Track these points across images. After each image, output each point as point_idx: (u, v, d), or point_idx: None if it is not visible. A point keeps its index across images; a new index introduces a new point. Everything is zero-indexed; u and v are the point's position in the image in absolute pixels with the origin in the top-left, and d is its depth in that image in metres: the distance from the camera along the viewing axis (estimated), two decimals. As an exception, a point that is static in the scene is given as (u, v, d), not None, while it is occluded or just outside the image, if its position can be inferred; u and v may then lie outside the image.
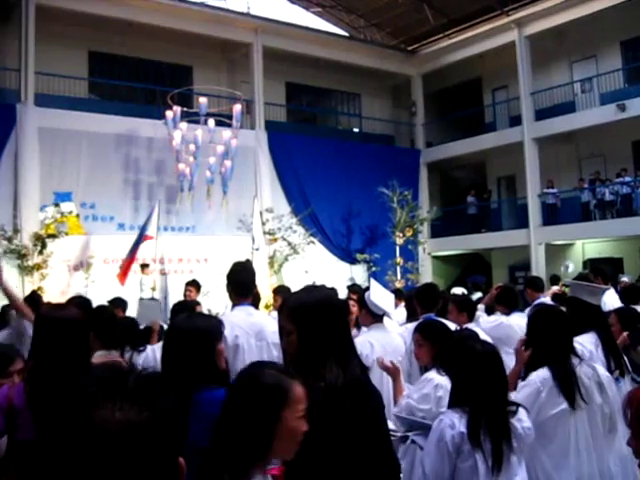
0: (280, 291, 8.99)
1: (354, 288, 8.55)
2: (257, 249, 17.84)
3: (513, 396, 3.86)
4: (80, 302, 5.99)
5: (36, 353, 3.40)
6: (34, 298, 8.41)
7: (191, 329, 3.05)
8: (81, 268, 17.13)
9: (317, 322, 2.68)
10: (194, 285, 11.27)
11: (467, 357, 3.59)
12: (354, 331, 7.43)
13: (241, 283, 4.85)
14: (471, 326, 6.28)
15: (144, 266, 16.35)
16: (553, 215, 22.46)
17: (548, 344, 4.14)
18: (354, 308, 6.74)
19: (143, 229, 16.87)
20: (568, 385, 3.97)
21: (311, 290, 2.96)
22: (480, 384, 3.43)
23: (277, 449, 2.20)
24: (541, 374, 4.05)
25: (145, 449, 1.21)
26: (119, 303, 8.70)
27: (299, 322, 2.70)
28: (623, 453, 3.97)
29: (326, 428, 2.48)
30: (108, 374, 1.30)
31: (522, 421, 3.49)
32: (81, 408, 1.20)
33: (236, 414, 2.20)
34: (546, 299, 7.72)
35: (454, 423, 3.37)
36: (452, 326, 6.05)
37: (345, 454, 2.51)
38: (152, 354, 5.65)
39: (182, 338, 3.04)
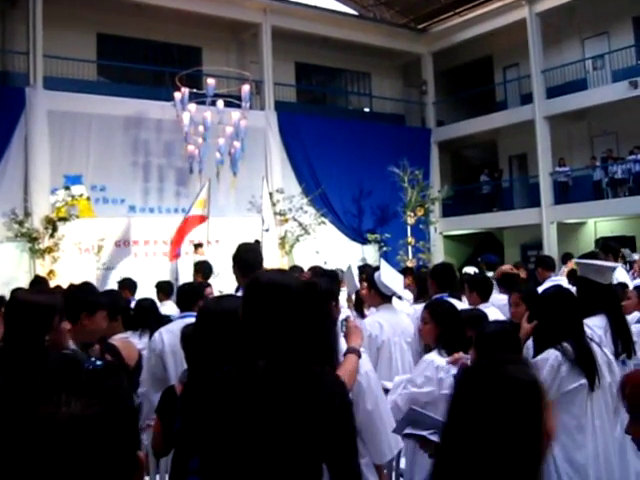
0: (293, 271, 8.93)
1: (364, 269, 8.51)
2: (267, 230, 17.81)
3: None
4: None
5: (4, 338, 3.32)
6: (39, 282, 8.40)
7: (220, 311, 3.05)
8: (92, 251, 17.14)
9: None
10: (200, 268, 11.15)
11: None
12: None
13: (247, 264, 4.79)
14: (483, 306, 6.24)
15: (198, 246, 16.30)
16: (565, 194, 22.31)
17: (558, 325, 4.11)
18: (364, 291, 6.73)
19: (189, 209, 16.91)
20: (588, 361, 3.97)
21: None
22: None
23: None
24: (558, 351, 4.03)
25: (94, 444, 1.15)
26: (127, 284, 8.70)
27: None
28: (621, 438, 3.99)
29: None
30: (56, 366, 1.25)
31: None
32: (25, 403, 1.15)
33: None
34: (558, 278, 7.62)
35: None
36: (461, 307, 6.02)
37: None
38: (160, 337, 5.53)
39: (212, 320, 3.04)
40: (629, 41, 21.93)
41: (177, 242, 16.44)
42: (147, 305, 6.65)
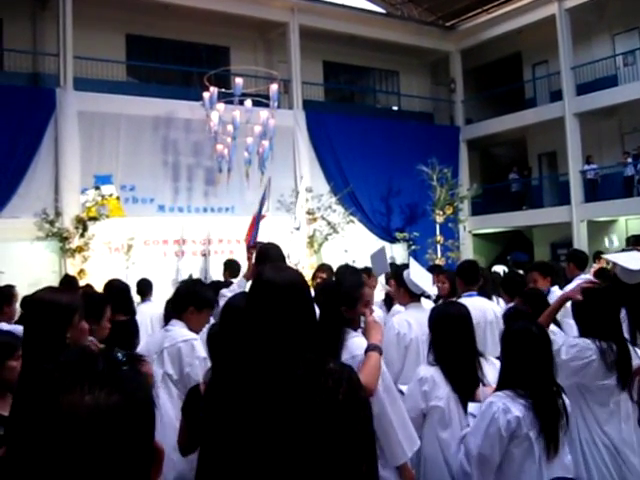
0: (324, 269, 8.97)
1: (392, 267, 8.50)
2: (297, 228, 17.85)
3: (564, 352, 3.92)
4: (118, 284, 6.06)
5: (24, 337, 3.33)
6: (69, 281, 8.46)
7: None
8: (122, 250, 17.26)
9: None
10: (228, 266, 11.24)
11: (519, 338, 3.54)
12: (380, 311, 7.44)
13: (270, 260, 4.81)
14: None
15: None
16: (595, 191, 22.10)
17: (598, 321, 4.08)
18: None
19: (260, 209, 16.96)
20: (625, 365, 3.94)
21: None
22: (533, 366, 3.40)
23: None
24: (596, 344, 4.00)
25: (117, 433, 1.15)
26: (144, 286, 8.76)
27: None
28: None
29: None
30: (76, 357, 1.25)
31: (565, 399, 3.47)
32: (47, 394, 1.15)
33: None
34: (587, 276, 7.50)
35: (508, 407, 3.30)
36: (489, 306, 6.00)
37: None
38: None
39: (235, 317, 3.09)
40: (660, 36, 21.70)
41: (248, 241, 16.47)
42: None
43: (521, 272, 14.59)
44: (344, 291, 3.94)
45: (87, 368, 1.21)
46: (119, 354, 1.30)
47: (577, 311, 4.31)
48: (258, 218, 16.52)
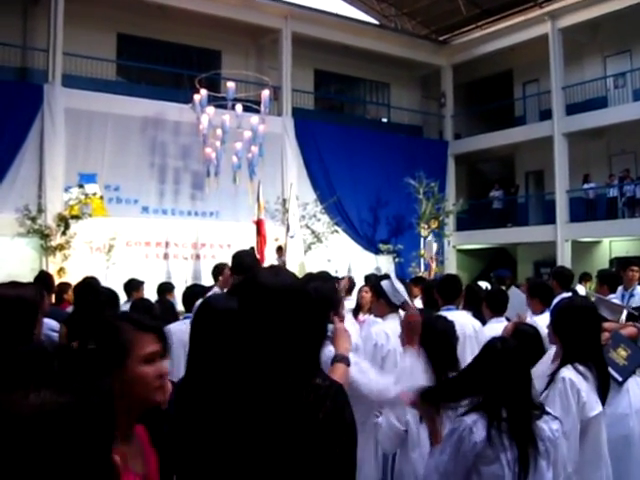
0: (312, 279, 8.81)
1: (370, 278, 8.42)
2: (292, 237, 17.79)
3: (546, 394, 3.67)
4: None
5: None
6: (43, 278, 8.29)
7: (217, 309, 2.95)
8: (103, 250, 17.11)
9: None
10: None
11: (487, 356, 3.34)
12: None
13: (242, 267, 4.72)
14: (496, 321, 6.12)
15: (280, 249, 16.52)
16: (590, 210, 22.10)
17: (579, 341, 3.84)
18: (367, 294, 6.66)
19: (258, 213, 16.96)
20: (605, 385, 3.79)
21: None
22: (499, 384, 3.19)
23: None
24: (575, 371, 3.76)
25: (65, 436, 1.06)
26: (135, 285, 8.65)
27: None
28: None
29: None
30: (25, 355, 1.16)
31: (549, 423, 3.26)
32: None
33: None
34: (569, 295, 7.39)
35: (473, 428, 3.13)
36: (471, 320, 5.91)
37: None
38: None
39: (207, 318, 2.92)
40: (652, 60, 21.79)
41: (263, 246, 16.44)
42: (141, 305, 6.61)
43: (503, 288, 14.58)
44: (330, 296, 3.84)
45: (35, 366, 1.13)
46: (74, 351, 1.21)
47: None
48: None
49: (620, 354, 4.78)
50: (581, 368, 3.69)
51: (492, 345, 3.36)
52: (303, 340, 2.22)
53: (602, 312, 5.16)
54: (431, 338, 4.13)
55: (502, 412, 3.13)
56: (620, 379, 4.74)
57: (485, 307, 6.49)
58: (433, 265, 20.67)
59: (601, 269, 12.95)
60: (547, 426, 3.23)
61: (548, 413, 3.31)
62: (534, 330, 5.15)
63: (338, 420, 2.14)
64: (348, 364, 3.26)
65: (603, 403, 3.74)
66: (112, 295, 5.24)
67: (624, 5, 20.43)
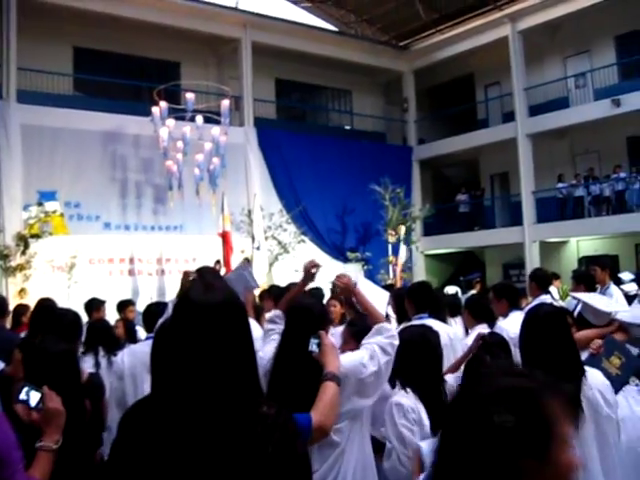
0: (272, 292, 8.45)
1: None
2: (258, 248, 17.53)
3: None
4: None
5: None
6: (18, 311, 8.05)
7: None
8: (65, 269, 16.71)
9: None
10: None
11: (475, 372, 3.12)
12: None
13: None
14: (481, 327, 5.91)
15: (246, 260, 16.21)
16: (548, 212, 22.09)
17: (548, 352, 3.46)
18: (337, 307, 6.42)
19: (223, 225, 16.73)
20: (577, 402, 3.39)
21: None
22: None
23: None
24: None
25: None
26: (96, 304, 8.35)
27: None
28: None
29: None
30: None
31: None
32: None
33: None
34: (547, 297, 7.22)
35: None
36: (444, 328, 5.67)
37: None
38: (122, 359, 5.32)
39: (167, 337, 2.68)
40: (611, 59, 21.91)
41: (230, 259, 16.12)
42: (101, 326, 6.43)
43: (473, 291, 14.49)
44: (320, 312, 3.58)
45: None
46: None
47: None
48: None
49: (613, 363, 4.40)
50: None
51: (480, 360, 3.09)
52: (241, 361, 1.98)
53: (587, 316, 4.95)
54: (419, 352, 3.89)
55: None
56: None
57: (468, 314, 6.27)
58: (398, 271, 20.50)
59: (576, 269, 12.88)
60: None
61: None
62: (500, 339, 4.95)
63: (289, 453, 1.92)
64: (339, 383, 2.98)
65: None
66: (74, 318, 4.95)
67: (582, 6, 20.62)
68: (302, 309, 3.60)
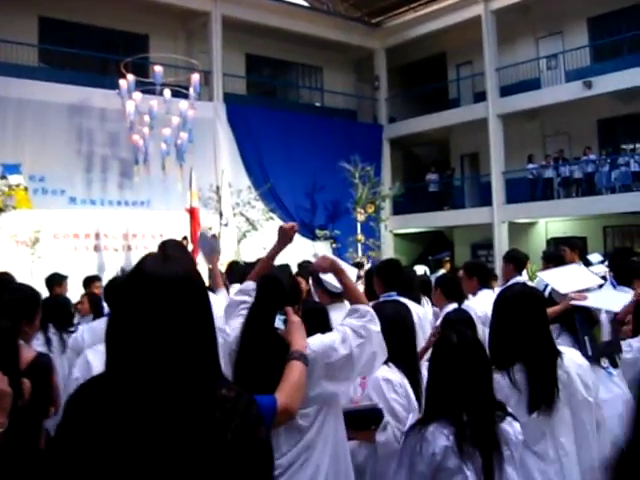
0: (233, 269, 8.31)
1: (303, 264, 8.04)
2: (226, 224, 17.31)
3: None
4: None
5: None
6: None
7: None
8: (29, 244, 16.39)
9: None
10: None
11: (443, 352, 2.94)
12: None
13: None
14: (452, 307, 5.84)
15: (213, 237, 16.01)
16: (517, 193, 22.10)
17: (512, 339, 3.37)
18: (302, 285, 6.26)
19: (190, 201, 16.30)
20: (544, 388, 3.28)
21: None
22: (458, 384, 2.80)
23: None
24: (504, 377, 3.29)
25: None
26: (57, 280, 8.14)
27: None
28: None
29: None
30: None
31: (513, 425, 2.88)
32: None
33: None
34: (524, 279, 7.17)
35: (429, 437, 2.74)
36: (414, 307, 5.56)
37: None
38: (81, 336, 5.11)
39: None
40: (583, 41, 21.90)
41: (196, 236, 15.78)
42: (53, 302, 6.15)
43: (443, 271, 14.45)
44: (290, 286, 3.38)
45: None
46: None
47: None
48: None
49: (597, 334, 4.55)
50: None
51: (447, 339, 2.95)
52: (198, 339, 1.81)
53: (554, 295, 4.88)
54: (398, 327, 3.77)
55: (463, 416, 2.76)
56: (590, 353, 4.44)
57: (440, 293, 6.18)
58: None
59: (545, 249, 12.83)
60: (511, 429, 2.86)
61: (510, 414, 2.92)
62: (467, 316, 4.89)
63: (250, 440, 1.74)
64: (306, 363, 2.81)
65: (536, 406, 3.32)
66: (31, 292, 4.75)
67: (555, -14, 20.51)
68: (272, 281, 3.34)
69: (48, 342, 5.66)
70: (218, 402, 1.74)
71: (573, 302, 4.89)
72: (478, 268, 6.75)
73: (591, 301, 5.00)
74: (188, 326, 1.79)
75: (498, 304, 3.56)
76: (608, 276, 6.89)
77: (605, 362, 4.69)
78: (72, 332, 5.64)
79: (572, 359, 3.45)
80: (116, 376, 1.80)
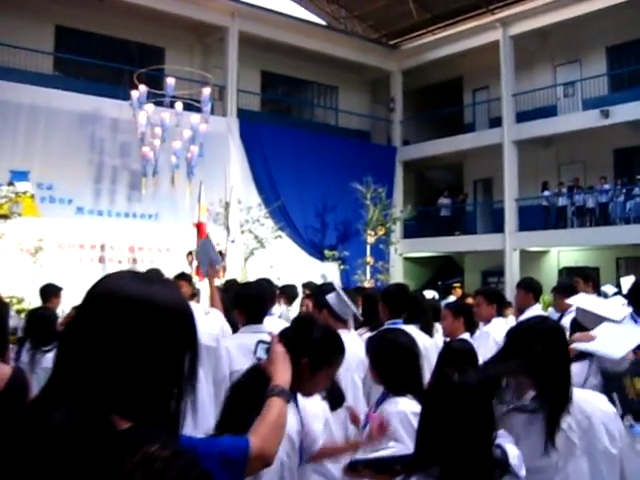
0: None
1: (308, 284, 7.79)
2: (233, 241, 17.10)
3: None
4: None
5: None
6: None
7: None
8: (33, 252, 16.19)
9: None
10: (184, 279, 9.41)
11: (439, 391, 2.50)
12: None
13: None
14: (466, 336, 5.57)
15: (219, 254, 15.73)
16: (530, 221, 21.82)
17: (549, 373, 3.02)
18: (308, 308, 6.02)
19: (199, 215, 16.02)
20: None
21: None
22: (455, 434, 2.35)
23: None
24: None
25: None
26: (53, 291, 7.91)
27: None
28: None
29: None
30: None
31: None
32: None
33: None
34: (539, 307, 6.91)
35: None
36: (419, 336, 5.29)
37: None
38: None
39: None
40: (601, 70, 21.70)
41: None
42: (34, 315, 5.76)
43: (452, 297, 14.16)
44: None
45: None
46: None
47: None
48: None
49: (636, 385, 3.73)
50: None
51: (446, 377, 2.50)
52: (153, 379, 1.54)
53: (586, 324, 4.31)
54: (393, 357, 3.53)
55: (451, 470, 2.31)
56: (620, 413, 3.71)
57: (459, 322, 5.90)
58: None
59: (559, 281, 12.53)
60: None
61: (511, 471, 2.42)
62: (468, 347, 4.63)
63: None
64: (288, 400, 2.37)
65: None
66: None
67: (574, 15, 20.44)
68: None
69: (17, 358, 5.27)
70: (141, 462, 1.41)
71: (575, 346, 3.92)
72: (498, 295, 6.60)
73: (598, 344, 4.24)
74: (146, 362, 1.53)
75: (525, 335, 3.22)
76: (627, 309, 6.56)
77: (629, 419, 3.71)
78: (47, 351, 5.26)
79: (597, 405, 3.07)
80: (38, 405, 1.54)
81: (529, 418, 2.95)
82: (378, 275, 21.16)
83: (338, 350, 2.93)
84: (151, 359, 1.54)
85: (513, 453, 2.44)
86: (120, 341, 1.52)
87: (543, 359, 2.99)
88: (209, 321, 5.92)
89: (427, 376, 4.25)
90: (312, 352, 2.78)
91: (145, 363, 1.53)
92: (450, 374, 2.48)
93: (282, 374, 2.46)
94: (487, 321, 6.28)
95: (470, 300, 12.11)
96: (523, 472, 2.43)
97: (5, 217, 15.65)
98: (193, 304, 5.60)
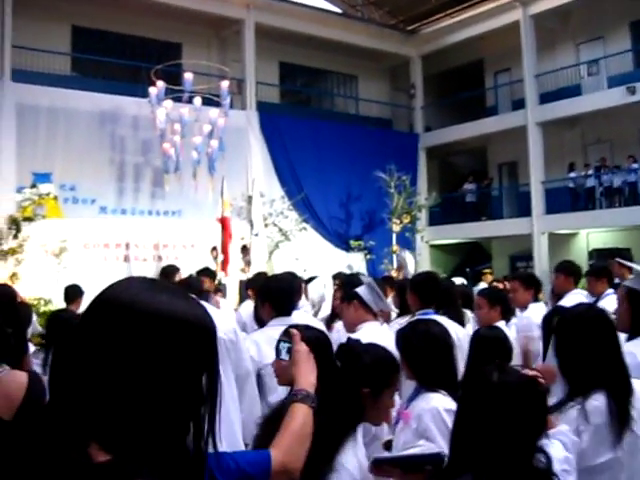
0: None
1: (338, 275, 7.62)
2: (256, 235, 16.99)
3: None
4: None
5: None
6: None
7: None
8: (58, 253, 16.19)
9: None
10: (207, 275, 9.29)
11: (477, 392, 2.25)
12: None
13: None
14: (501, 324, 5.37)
15: (244, 248, 16.26)
16: (558, 203, 21.50)
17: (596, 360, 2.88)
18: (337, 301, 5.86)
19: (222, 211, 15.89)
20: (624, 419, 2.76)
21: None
22: (492, 440, 2.10)
23: None
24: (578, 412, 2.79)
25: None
26: (75, 293, 7.79)
27: None
28: None
29: None
30: None
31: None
32: None
33: None
34: (582, 292, 6.66)
35: None
36: (452, 326, 5.10)
37: None
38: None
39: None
40: (625, 46, 21.28)
41: (228, 245, 15.29)
42: (63, 317, 5.50)
43: (483, 284, 13.95)
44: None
45: None
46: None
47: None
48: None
49: None
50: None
51: (485, 376, 2.24)
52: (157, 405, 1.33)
53: None
54: (426, 349, 3.37)
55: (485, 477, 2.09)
56: None
57: (491, 308, 5.68)
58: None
59: (592, 263, 12.24)
60: None
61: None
62: (500, 334, 4.45)
63: None
64: (314, 406, 2.06)
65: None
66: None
67: (596, -9, 19.99)
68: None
69: (44, 364, 5.03)
70: None
71: None
72: (534, 279, 6.37)
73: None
74: (152, 385, 1.33)
75: (570, 323, 3.06)
76: None
77: None
78: None
79: None
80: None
81: (591, 413, 2.77)
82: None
83: (394, 368, 2.88)
84: (150, 381, 1.33)
85: (560, 457, 2.26)
86: (114, 357, 1.33)
87: (597, 350, 2.84)
88: (224, 313, 5.81)
89: (461, 368, 4.08)
90: (370, 380, 2.71)
91: (143, 385, 1.32)
92: (489, 373, 2.24)
93: (307, 376, 2.19)
94: (524, 307, 6.07)
95: (499, 285, 11.92)
96: (572, 478, 2.26)
97: (29, 219, 15.71)
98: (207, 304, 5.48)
